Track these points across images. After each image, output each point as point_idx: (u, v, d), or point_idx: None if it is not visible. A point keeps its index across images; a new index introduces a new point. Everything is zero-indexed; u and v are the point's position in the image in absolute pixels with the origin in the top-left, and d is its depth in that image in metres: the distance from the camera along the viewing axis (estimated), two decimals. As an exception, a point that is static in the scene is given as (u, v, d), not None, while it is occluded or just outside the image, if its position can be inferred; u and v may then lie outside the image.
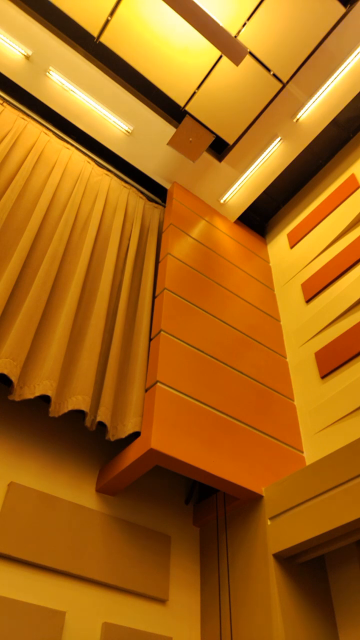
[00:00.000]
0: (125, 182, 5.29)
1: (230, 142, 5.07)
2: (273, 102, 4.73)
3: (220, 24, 3.88)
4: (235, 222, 5.79)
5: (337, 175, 5.22)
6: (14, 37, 4.43)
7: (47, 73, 4.65)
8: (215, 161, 5.25)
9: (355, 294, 3.89)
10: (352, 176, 4.89)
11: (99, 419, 3.01)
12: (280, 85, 4.56)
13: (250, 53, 4.31)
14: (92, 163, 5.00)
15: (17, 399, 2.81)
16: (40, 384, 2.88)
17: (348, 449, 2.71)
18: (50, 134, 4.86)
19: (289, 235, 5.43)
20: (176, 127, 4.88)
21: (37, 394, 2.83)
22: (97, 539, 2.93)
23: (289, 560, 2.82)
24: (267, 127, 4.96)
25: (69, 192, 4.41)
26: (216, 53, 4.34)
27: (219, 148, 5.33)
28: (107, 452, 3.41)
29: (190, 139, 4.73)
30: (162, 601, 2.98)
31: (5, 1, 4.27)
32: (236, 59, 4.04)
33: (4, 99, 4.71)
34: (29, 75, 4.65)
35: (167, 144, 4.83)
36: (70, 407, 2.93)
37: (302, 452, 3.53)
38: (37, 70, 4.62)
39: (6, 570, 2.56)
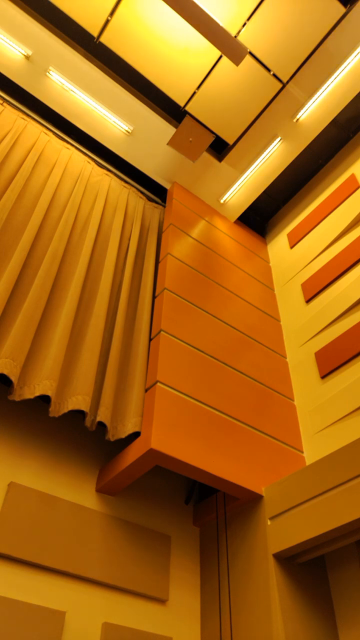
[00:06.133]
0: (125, 182, 5.29)
1: (230, 142, 5.06)
2: (273, 102, 4.73)
3: (220, 24, 3.87)
4: (235, 222, 5.79)
5: (337, 175, 5.22)
6: (14, 37, 4.43)
7: (47, 73, 4.65)
8: (215, 161, 5.25)
9: (355, 294, 3.89)
10: (352, 176, 4.89)
11: (99, 419, 3.01)
12: (280, 85, 4.56)
13: (250, 53, 4.31)
14: (92, 163, 5.00)
15: (17, 399, 2.81)
16: (40, 384, 2.88)
17: (348, 449, 2.71)
18: (50, 134, 4.86)
19: (289, 235, 5.43)
20: (176, 127, 4.88)
21: (37, 394, 2.83)
22: (97, 539, 2.93)
23: (289, 560, 2.82)
24: (267, 127, 4.96)
25: (69, 192, 4.41)
26: (216, 53, 4.34)
27: (219, 148, 5.33)
28: (107, 452, 3.41)
29: (190, 139, 4.72)
30: (162, 601, 2.98)
31: (5, 1, 4.27)
32: (236, 59, 4.04)
33: (4, 99, 4.71)
34: (29, 75, 4.65)
35: (167, 144, 4.83)
36: (70, 407, 2.93)
37: (302, 452, 3.53)
38: (37, 70, 4.63)
39: (6, 570, 2.56)
